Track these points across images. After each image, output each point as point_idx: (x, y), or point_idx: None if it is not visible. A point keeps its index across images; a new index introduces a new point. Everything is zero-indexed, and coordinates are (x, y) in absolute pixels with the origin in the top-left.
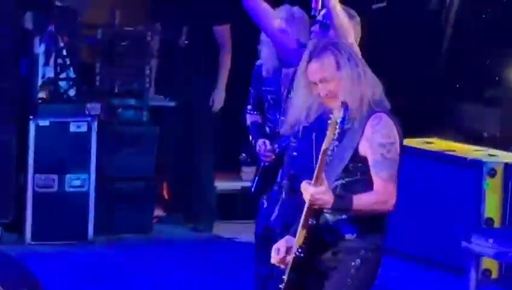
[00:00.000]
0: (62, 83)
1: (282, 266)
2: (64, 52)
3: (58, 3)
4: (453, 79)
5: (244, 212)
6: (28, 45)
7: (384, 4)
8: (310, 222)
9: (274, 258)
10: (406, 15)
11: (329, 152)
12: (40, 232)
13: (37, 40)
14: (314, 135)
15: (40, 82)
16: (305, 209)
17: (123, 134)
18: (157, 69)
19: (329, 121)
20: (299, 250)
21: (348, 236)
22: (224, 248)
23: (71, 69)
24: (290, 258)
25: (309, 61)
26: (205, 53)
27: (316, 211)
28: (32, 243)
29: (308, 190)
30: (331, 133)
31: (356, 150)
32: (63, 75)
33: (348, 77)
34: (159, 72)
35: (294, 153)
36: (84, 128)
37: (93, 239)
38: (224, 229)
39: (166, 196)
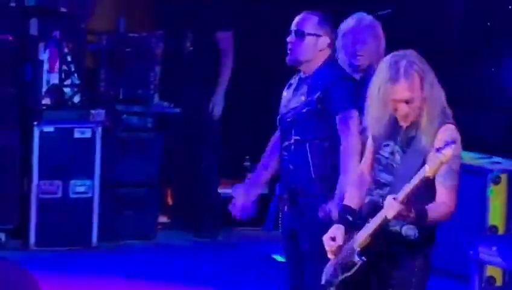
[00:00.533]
0: (67, 89)
1: (333, 257)
2: (69, 59)
3: (63, 10)
4: (456, 85)
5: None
6: (32, 51)
7: (389, 11)
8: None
9: (330, 246)
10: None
11: (395, 164)
12: (44, 238)
13: (41, 46)
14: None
15: (44, 88)
16: (380, 218)
17: (127, 140)
18: (162, 75)
19: (445, 150)
20: (359, 253)
21: (410, 239)
22: (229, 254)
23: (76, 75)
24: (344, 254)
25: (395, 79)
26: (209, 59)
27: (387, 221)
28: (36, 249)
29: (395, 207)
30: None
31: (424, 161)
32: (67, 82)
33: (430, 98)
34: (163, 79)
35: (291, 167)
36: (88, 134)
37: (97, 245)
38: (229, 236)
39: (170, 202)
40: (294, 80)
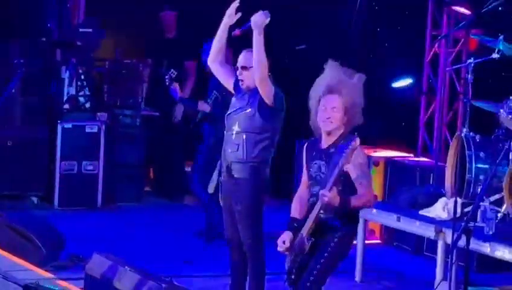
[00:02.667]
0: (80, 98)
1: (287, 253)
2: (82, 77)
3: (78, 44)
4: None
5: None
6: (56, 72)
7: (304, 46)
8: (319, 217)
9: (281, 247)
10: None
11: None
12: (64, 201)
13: (63, 68)
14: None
15: (65, 97)
16: (317, 208)
17: (122, 134)
18: (147, 89)
19: (348, 149)
20: (308, 238)
21: (333, 224)
22: (191, 213)
23: (87, 89)
24: (297, 245)
25: (328, 92)
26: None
27: (323, 209)
28: (59, 209)
29: (327, 194)
30: (350, 157)
31: (341, 169)
32: (81, 93)
33: (348, 110)
34: (148, 92)
35: (229, 150)
36: (95, 129)
37: (101, 207)
38: (189, 201)
39: (152, 177)
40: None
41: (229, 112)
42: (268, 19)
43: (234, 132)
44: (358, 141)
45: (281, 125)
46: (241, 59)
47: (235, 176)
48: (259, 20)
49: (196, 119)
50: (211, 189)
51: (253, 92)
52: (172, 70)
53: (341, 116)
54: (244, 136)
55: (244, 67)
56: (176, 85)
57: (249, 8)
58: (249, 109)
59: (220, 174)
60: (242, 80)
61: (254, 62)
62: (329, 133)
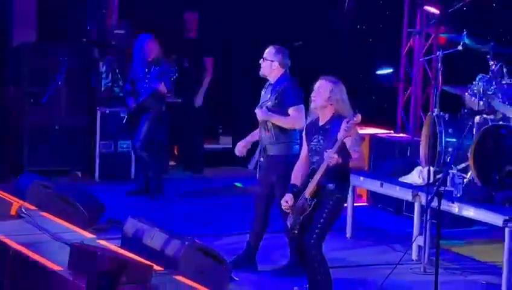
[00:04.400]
0: (115, 89)
1: (289, 211)
2: (117, 71)
3: (113, 43)
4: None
5: (220, 163)
6: (95, 67)
7: (301, 43)
8: (320, 182)
9: (285, 206)
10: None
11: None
12: (103, 175)
13: (101, 64)
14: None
15: (102, 88)
16: (321, 170)
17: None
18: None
19: (350, 123)
20: (310, 198)
21: (329, 186)
22: (209, 183)
23: (120, 80)
24: (299, 204)
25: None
26: (197, 73)
27: (325, 172)
28: (99, 181)
29: (334, 155)
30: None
31: (343, 138)
32: (115, 85)
33: (336, 101)
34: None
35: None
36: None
37: (134, 179)
38: (208, 173)
39: (176, 153)
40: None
41: (260, 104)
42: (266, 116)
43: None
44: (359, 116)
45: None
46: (266, 51)
47: (269, 154)
48: (265, 113)
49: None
50: (251, 165)
51: (274, 85)
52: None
53: (324, 98)
54: (271, 123)
55: (264, 58)
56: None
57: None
58: (269, 102)
59: (259, 154)
60: (261, 68)
61: (288, 123)
62: (321, 113)
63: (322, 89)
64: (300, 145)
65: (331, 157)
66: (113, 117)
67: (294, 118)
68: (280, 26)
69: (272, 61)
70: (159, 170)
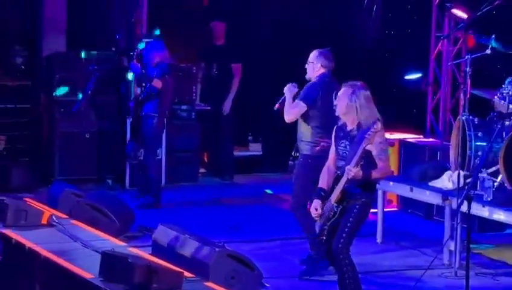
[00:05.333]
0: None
1: (317, 218)
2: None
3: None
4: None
5: (249, 170)
6: (124, 76)
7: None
8: (345, 188)
9: (314, 214)
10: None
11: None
12: (134, 182)
13: (129, 72)
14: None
15: (132, 96)
16: (343, 181)
17: (180, 125)
18: (200, 88)
19: (370, 132)
20: (336, 205)
21: (354, 192)
22: (239, 190)
23: None
24: (326, 211)
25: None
26: (225, 80)
27: (348, 181)
28: (129, 189)
29: (353, 170)
30: (372, 139)
31: (364, 148)
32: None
33: (356, 109)
34: (201, 90)
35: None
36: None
37: (164, 186)
38: (238, 180)
39: (206, 160)
40: None
41: None
42: (296, 89)
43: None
44: (379, 124)
45: (321, 113)
46: (310, 55)
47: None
48: (289, 90)
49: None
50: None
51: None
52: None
53: (345, 104)
54: (299, 123)
55: (308, 62)
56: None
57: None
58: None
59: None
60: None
61: (285, 111)
62: (346, 119)
63: (343, 95)
64: None
65: (350, 171)
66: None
67: (289, 108)
68: (308, 32)
69: (314, 63)
70: (159, 183)
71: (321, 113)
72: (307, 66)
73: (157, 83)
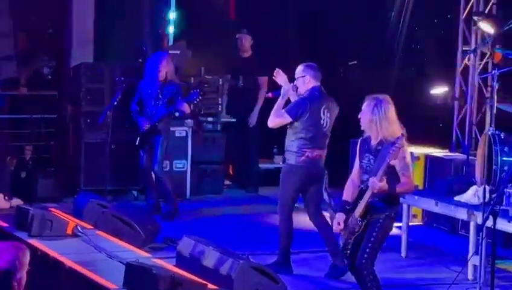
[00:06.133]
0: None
1: (342, 232)
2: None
3: None
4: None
5: (274, 182)
6: None
7: (355, 62)
8: (369, 202)
9: (338, 229)
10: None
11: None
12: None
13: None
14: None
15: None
16: (368, 195)
17: (206, 137)
18: (226, 100)
19: (395, 148)
20: (360, 219)
21: (378, 206)
22: (264, 202)
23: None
24: (350, 225)
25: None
26: (251, 92)
27: (372, 195)
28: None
29: (378, 184)
30: (397, 154)
31: (389, 163)
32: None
33: (378, 121)
34: (227, 102)
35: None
36: (183, 134)
37: (189, 197)
38: (263, 192)
39: (231, 173)
40: None
41: None
42: (294, 92)
43: None
44: (403, 140)
45: (308, 126)
46: (296, 71)
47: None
48: (286, 90)
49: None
50: None
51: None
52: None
53: (368, 118)
54: (287, 133)
55: (296, 78)
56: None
57: (307, 29)
58: None
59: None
60: (296, 87)
61: (270, 115)
62: (370, 133)
63: (366, 109)
64: None
65: (374, 185)
66: (170, 136)
67: (275, 114)
68: (335, 46)
69: (304, 76)
70: (174, 193)
71: (308, 125)
72: (295, 82)
73: (187, 109)
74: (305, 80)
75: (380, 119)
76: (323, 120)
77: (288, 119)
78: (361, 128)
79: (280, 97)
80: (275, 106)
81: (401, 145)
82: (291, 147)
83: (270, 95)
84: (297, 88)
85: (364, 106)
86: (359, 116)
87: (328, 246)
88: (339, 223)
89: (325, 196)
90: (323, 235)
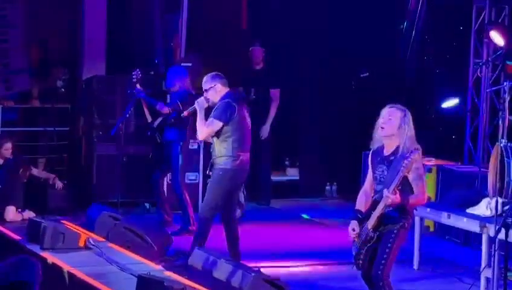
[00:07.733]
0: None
1: (356, 239)
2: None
3: None
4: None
5: (286, 195)
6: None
7: (367, 74)
8: (382, 213)
9: (353, 234)
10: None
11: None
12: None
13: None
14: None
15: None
16: (381, 206)
17: None
18: None
19: (408, 161)
20: (372, 230)
21: (392, 216)
22: (276, 215)
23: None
24: (363, 235)
25: (390, 107)
26: (263, 104)
27: (386, 207)
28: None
29: (391, 196)
30: (410, 166)
31: (402, 175)
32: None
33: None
34: None
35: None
36: (196, 146)
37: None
38: (275, 204)
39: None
40: None
41: None
42: (207, 103)
43: None
44: (418, 153)
45: (237, 128)
46: (203, 84)
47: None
48: (201, 103)
49: (153, 124)
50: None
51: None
52: (137, 70)
53: (395, 126)
54: (214, 141)
55: (205, 90)
56: (138, 86)
57: (319, 42)
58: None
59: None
60: (208, 99)
61: (198, 129)
62: (387, 142)
63: (393, 117)
64: None
65: (387, 198)
66: (183, 149)
67: (202, 126)
68: (347, 59)
69: (214, 86)
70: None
71: (237, 127)
72: (205, 94)
73: (163, 109)
74: (217, 88)
75: (407, 129)
76: (248, 121)
77: (220, 124)
78: (382, 135)
79: (198, 111)
80: (198, 120)
81: (414, 159)
82: (222, 152)
83: (185, 113)
84: (208, 100)
85: (389, 114)
86: (382, 124)
87: (229, 246)
88: (353, 230)
89: (241, 197)
90: (230, 239)
